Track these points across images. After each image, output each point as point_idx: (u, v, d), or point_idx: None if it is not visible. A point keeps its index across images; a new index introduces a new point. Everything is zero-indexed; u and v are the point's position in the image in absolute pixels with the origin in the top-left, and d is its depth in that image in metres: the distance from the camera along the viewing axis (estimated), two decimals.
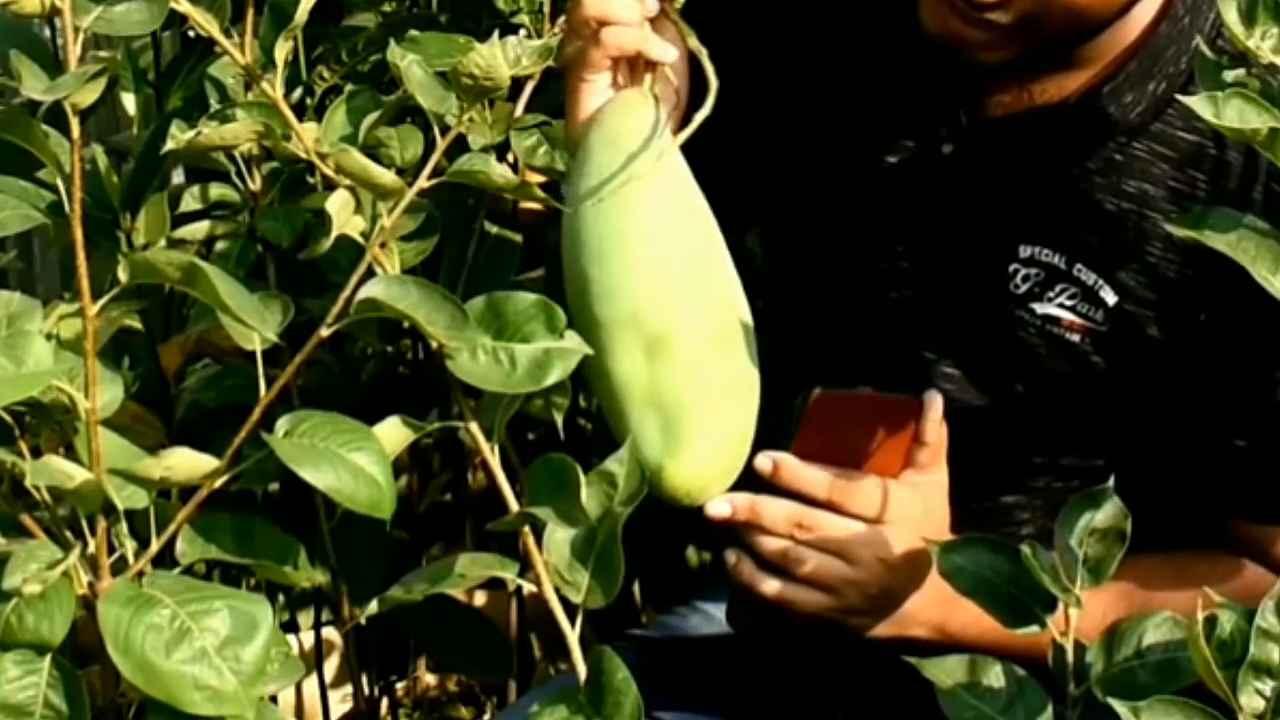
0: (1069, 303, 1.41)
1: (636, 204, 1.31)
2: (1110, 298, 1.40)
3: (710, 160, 1.40)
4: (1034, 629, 1.18)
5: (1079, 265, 1.40)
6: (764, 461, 1.34)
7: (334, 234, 1.23)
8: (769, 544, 1.34)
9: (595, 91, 1.35)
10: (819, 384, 1.36)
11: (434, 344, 1.19)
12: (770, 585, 1.35)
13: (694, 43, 1.34)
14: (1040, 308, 1.41)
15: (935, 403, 1.35)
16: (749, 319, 1.34)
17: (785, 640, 1.42)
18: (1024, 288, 1.41)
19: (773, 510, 1.34)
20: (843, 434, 1.35)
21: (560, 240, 1.37)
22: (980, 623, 1.24)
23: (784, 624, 1.38)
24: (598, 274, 1.30)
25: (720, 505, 1.34)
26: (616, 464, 1.21)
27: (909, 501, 1.34)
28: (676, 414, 1.30)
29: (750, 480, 1.36)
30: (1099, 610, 1.26)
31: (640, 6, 1.33)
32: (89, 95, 1.11)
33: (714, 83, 1.30)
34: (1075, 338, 1.41)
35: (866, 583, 1.34)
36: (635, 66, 1.35)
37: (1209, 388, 1.40)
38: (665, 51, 1.34)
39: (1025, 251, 1.40)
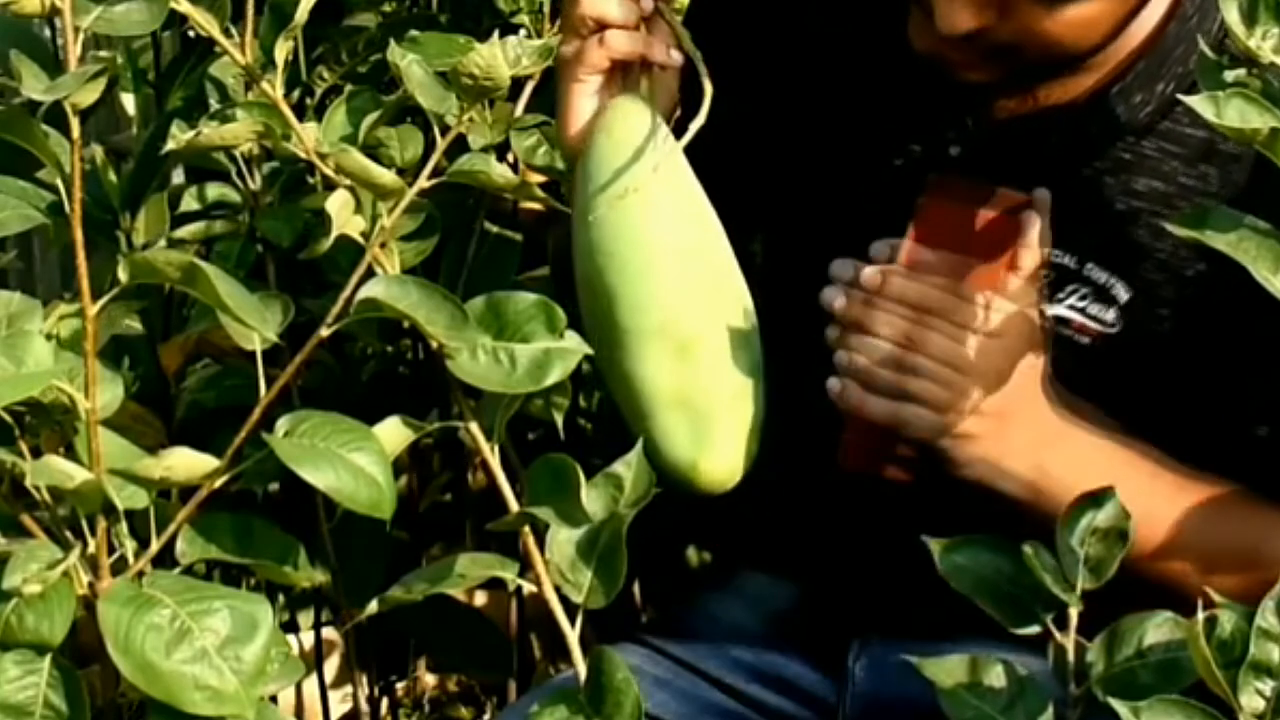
0: (1079, 304, 1.41)
1: (651, 211, 1.31)
2: (1123, 295, 1.40)
3: (716, 165, 1.40)
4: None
5: (1090, 265, 1.40)
6: (871, 275, 1.32)
7: (334, 234, 1.23)
8: (881, 349, 1.32)
9: (588, 93, 1.35)
10: (829, 370, 1.36)
11: (434, 344, 1.19)
12: (880, 405, 1.33)
13: (689, 45, 1.34)
14: (1050, 309, 1.41)
15: (1033, 223, 1.34)
16: (753, 310, 1.35)
17: (891, 485, 1.39)
18: None
19: (887, 308, 1.32)
20: (947, 246, 1.34)
21: (561, 243, 1.37)
22: (1081, 470, 1.27)
23: (893, 459, 1.35)
24: (622, 285, 1.30)
25: (834, 295, 1.33)
26: (624, 466, 1.22)
27: (1015, 314, 1.32)
28: (706, 412, 1.32)
29: (759, 505, 1.35)
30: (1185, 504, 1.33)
31: (635, 7, 1.34)
32: (89, 95, 1.10)
33: (709, 88, 1.31)
34: (1085, 340, 1.41)
35: (977, 397, 1.32)
36: (629, 69, 1.36)
37: (1226, 381, 1.39)
38: (668, 55, 1.34)
39: None
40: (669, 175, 1.32)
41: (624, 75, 1.36)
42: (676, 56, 1.34)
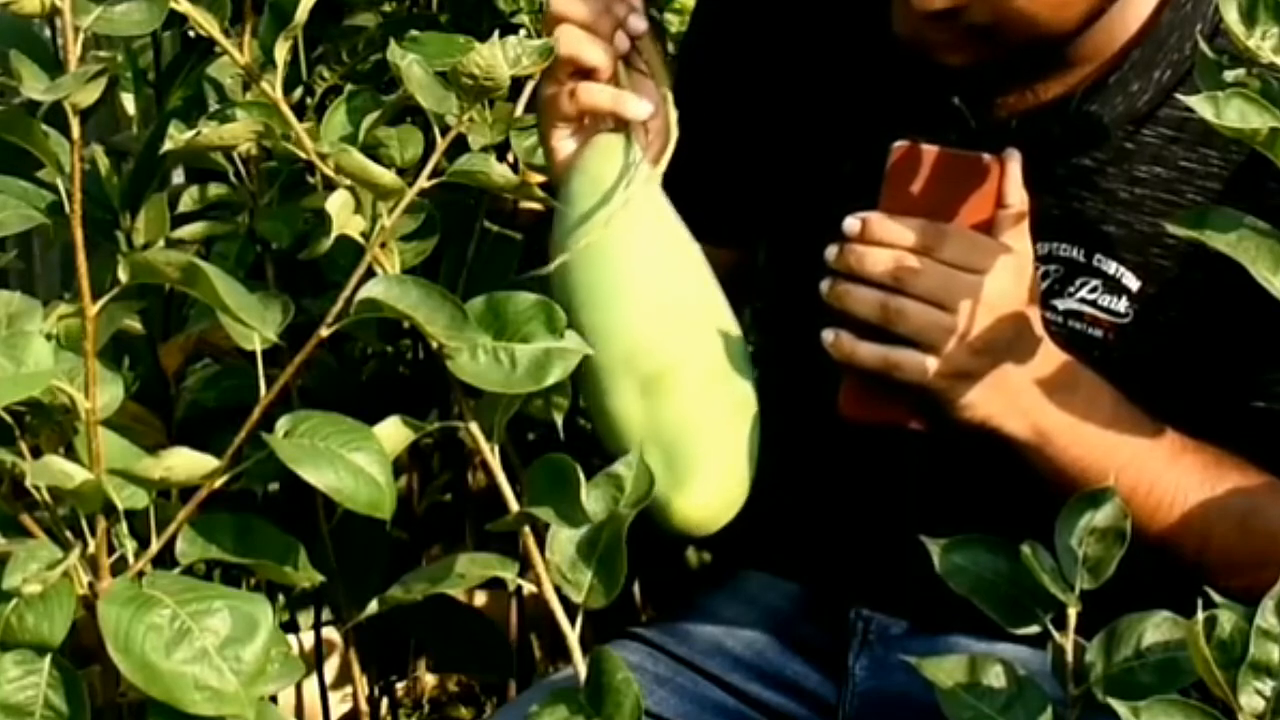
0: (1090, 296, 1.41)
1: (619, 247, 1.32)
2: (1133, 284, 1.40)
3: (717, 176, 1.39)
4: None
5: (1099, 256, 1.40)
6: (852, 222, 1.32)
7: (334, 234, 1.23)
8: (867, 297, 1.31)
9: (567, 135, 1.37)
10: (831, 378, 1.35)
11: (434, 344, 1.19)
12: (872, 351, 1.32)
13: (665, 87, 1.35)
14: (1062, 304, 1.41)
15: (1014, 161, 1.34)
16: (743, 343, 1.34)
17: (893, 432, 1.38)
18: (1044, 285, 1.40)
19: (871, 252, 1.31)
20: (925, 193, 1.33)
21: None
22: (1085, 416, 1.30)
23: (891, 406, 1.34)
24: (589, 319, 1.30)
25: (829, 247, 1.33)
26: (625, 467, 1.22)
27: (1001, 252, 1.32)
28: (679, 449, 1.31)
29: (759, 505, 1.35)
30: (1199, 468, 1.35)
31: (610, 51, 1.34)
32: (89, 95, 1.11)
33: (674, 130, 1.33)
34: (1098, 332, 1.41)
35: (967, 332, 1.30)
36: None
37: (1235, 360, 1.39)
38: (639, 109, 1.34)
39: (1043, 248, 1.39)
40: (639, 213, 1.32)
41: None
42: (647, 109, 1.34)
